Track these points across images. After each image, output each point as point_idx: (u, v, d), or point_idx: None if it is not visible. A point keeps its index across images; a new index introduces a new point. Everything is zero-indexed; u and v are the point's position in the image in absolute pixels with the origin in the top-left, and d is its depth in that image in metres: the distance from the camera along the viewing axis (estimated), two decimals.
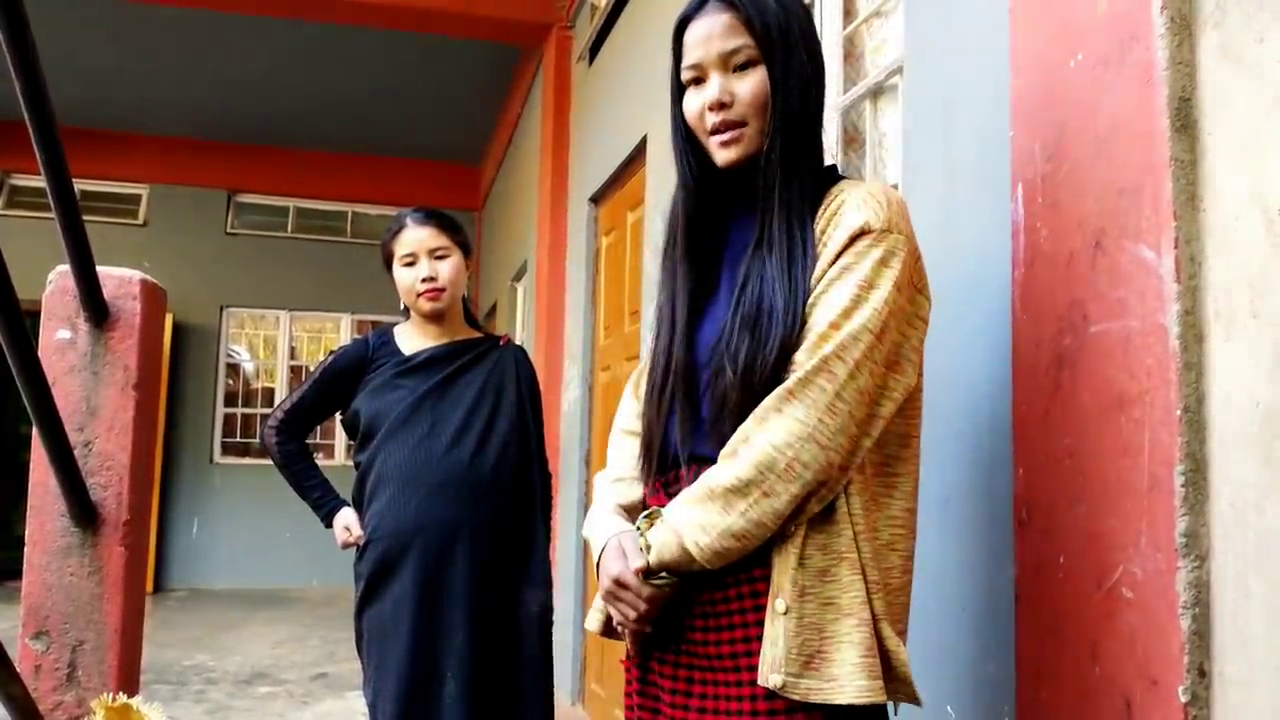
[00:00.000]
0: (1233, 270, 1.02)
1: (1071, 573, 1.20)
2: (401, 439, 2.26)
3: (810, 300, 1.14)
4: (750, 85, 1.20)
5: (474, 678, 2.19)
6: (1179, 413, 1.04)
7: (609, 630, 1.29)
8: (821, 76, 1.25)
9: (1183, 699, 1.02)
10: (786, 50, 1.19)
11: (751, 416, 1.11)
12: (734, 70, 1.21)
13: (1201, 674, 1.02)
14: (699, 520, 1.11)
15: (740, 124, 1.21)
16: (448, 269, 2.33)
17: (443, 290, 2.32)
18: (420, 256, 2.32)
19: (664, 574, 1.16)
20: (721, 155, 1.23)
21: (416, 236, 2.32)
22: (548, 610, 2.34)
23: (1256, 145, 0.99)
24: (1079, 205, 1.22)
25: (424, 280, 2.30)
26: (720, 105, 1.21)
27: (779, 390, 1.10)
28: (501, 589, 2.27)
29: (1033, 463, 1.29)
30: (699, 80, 1.24)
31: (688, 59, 1.24)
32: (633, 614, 1.18)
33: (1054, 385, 1.25)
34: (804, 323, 1.13)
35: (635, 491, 1.34)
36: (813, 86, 1.22)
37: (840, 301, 1.11)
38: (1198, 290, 1.05)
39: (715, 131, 1.22)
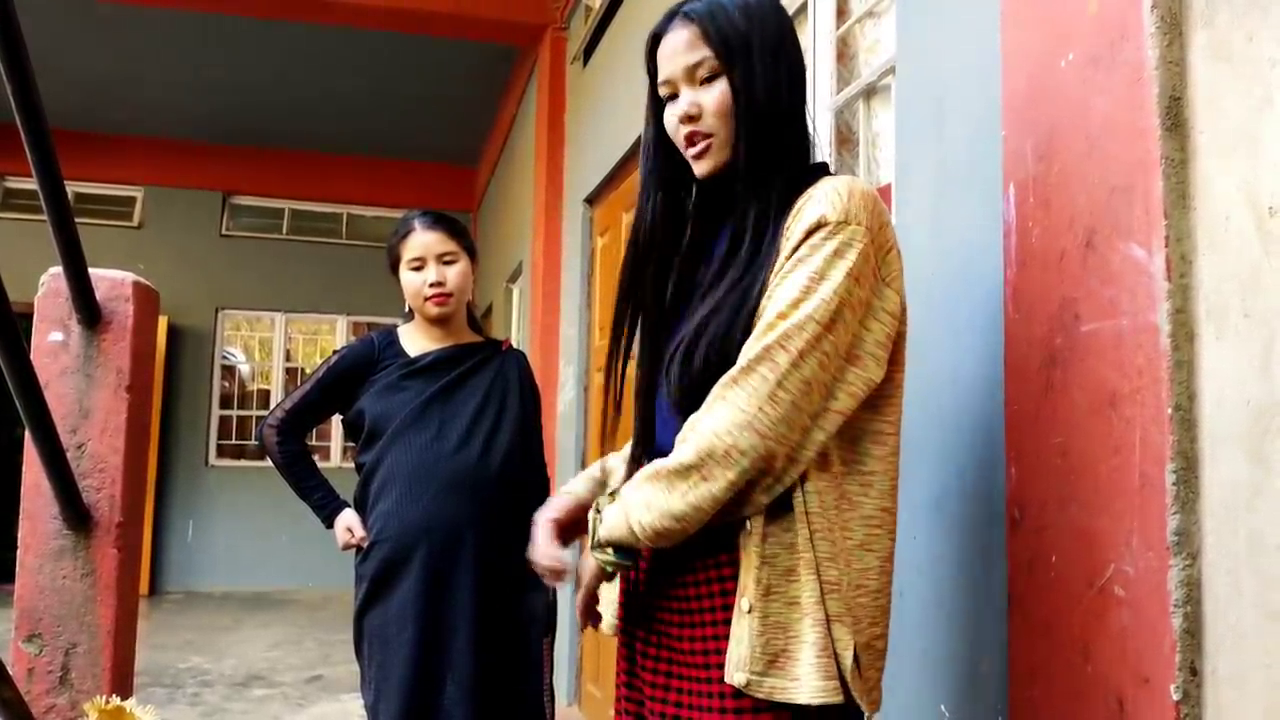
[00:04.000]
0: (1223, 269, 1.02)
1: (1063, 572, 1.20)
2: (409, 439, 2.26)
3: (766, 294, 1.16)
4: (714, 96, 1.22)
5: (476, 679, 2.19)
6: (1170, 411, 1.04)
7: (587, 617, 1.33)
8: (796, 79, 1.26)
9: (1174, 697, 1.02)
10: (748, 59, 1.21)
11: (703, 404, 1.14)
12: (700, 83, 1.23)
13: (1193, 672, 1.02)
14: (644, 499, 1.14)
15: (709, 135, 1.23)
16: (455, 274, 2.34)
17: (450, 295, 2.33)
18: (428, 261, 2.32)
19: (610, 549, 1.18)
20: (697, 167, 1.27)
21: (424, 241, 2.32)
22: (550, 613, 2.34)
23: (1246, 144, 1.00)
24: (1070, 204, 1.22)
25: (432, 285, 2.31)
26: (689, 118, 1.24)
27: (724, 378, 1.13)
28: (505, 591, 2.27)
29: (1025, 462, 1.29)
30: (674, 96, 1.27)
31: (661, 75, 1.27)
32: (552, 573, 1.27)
33: (1045, 384, 1.25)
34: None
35: (620, 471, 1.40)
36: (783, 90, 1.23)
37: (789, 294, 1.12)
38: (1188, 289, 1.06)
39: (688, 144, 1.25)
